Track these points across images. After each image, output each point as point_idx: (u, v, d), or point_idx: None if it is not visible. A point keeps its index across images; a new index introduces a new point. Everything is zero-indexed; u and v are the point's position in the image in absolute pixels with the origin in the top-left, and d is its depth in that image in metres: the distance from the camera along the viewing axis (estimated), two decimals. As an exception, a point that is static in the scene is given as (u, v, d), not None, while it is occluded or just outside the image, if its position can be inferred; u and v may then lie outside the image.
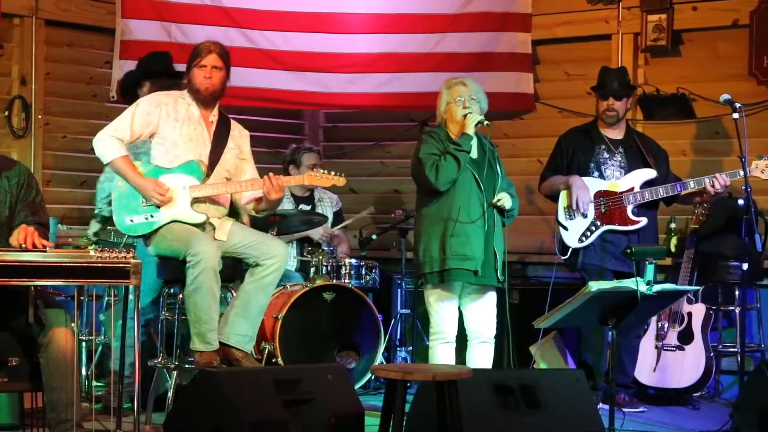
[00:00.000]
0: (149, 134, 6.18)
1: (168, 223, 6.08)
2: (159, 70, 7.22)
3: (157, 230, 6.08)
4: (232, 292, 6.43)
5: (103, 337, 7.38)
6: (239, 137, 6.39)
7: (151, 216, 6.08)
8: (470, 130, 6.34)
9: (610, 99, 7.38)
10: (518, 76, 8.91)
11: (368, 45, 8.97)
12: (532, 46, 8.90)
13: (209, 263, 5.84)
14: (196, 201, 6.12)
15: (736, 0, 8.15)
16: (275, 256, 6.07)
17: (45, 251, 4.97)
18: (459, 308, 6.50)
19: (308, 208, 8.29)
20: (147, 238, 6.15)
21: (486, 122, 6.34)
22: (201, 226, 6.11)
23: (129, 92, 7.22)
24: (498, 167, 6.48)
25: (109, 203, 6.75)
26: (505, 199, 6.40)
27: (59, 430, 5.04)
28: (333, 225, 8.43)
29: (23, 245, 5.01)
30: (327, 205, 8.48)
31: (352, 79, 8.98)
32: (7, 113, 8.12)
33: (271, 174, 6.16)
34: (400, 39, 8.94)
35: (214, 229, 6.16)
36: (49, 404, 5.05)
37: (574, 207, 7.20)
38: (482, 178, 6.37)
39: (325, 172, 6.30)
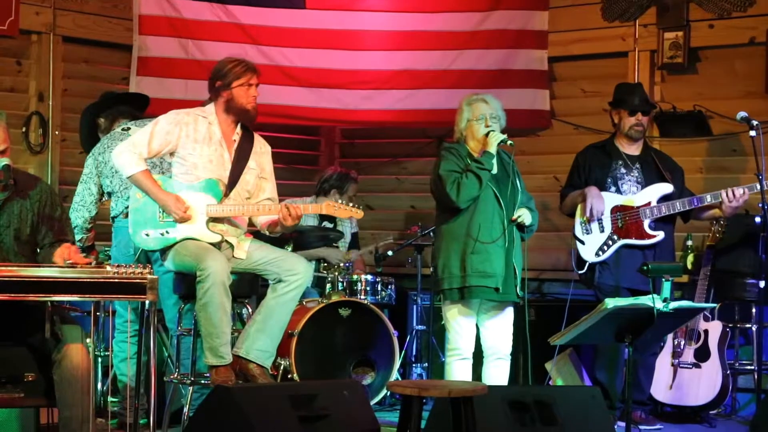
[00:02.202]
0: (168, 152, 6.19)
1: (183, 240, 6.10)
2: (109, 97, 7.27)
3: (172, 245, 6.10)
4: (249, 307, 6.44)
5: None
6: (261, 154, 6.36)
7: (167, 232, 6.08)
8: (492, 149, 6.34)
9: (639, 114, 7.36)
10: (534, 93, 8.92)
11: (385, 62, 8.99)
12: (548, 63, 8.91)
13: (218, 278, 5.84)
14: (212, 220, 6.13)
15: (753, 18, 8.14)
16: (298, 273, 6.08)
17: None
18: (476, 324, 6.50)
19: (331, 225, 8.31)
20: (163, 252, 6.16)
21: (510, 142, 6.34)
22: (216, 245, 6.12)
23: (88, 135, 7.19)
24: (518, 181, 6.48)
25: (89, 207, 6.76)
26: (525, 216, 6.39)
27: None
28: (349, 247, 8.48)
29: (68, 261, 5.02)
30: (346, 225, 8.51)
31: (369, 96, 9.00)
32: (24, 129, 8.17)
33: (287, 203, 6.19)
34: (416, 56, 8.96)
35: (231, 247, 6.18)
36: (62, 421, 5.02)
37: (588, 214, 7.18)
38: (503, 194, 6.36)
39: (344, 202, 6.28)
